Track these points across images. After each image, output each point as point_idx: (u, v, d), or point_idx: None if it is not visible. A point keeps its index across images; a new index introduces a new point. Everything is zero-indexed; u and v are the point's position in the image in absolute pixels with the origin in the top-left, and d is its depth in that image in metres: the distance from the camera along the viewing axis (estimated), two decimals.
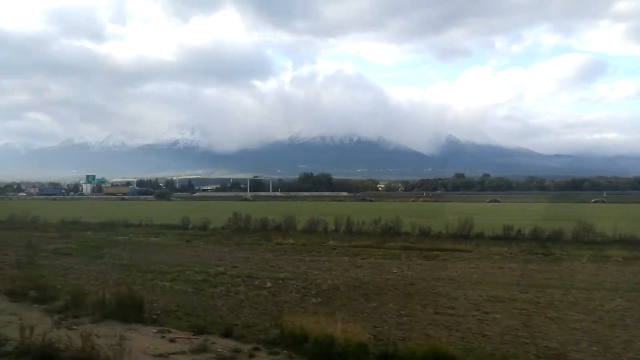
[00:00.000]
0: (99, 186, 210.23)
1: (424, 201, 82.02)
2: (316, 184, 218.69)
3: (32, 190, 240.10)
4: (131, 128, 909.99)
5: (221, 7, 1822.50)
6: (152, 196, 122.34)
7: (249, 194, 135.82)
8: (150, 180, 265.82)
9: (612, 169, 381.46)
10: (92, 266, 15.38)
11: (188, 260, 16.48)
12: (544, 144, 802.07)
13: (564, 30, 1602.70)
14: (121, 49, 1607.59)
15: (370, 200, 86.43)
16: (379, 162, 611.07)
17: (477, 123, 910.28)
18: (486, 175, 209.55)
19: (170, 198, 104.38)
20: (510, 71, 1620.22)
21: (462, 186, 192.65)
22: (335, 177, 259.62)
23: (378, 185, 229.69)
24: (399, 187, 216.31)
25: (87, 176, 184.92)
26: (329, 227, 23.34)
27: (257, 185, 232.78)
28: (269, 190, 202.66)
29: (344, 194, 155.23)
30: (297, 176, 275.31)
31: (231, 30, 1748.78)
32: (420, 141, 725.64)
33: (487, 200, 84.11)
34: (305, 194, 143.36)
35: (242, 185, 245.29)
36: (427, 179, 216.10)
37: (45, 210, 35.71)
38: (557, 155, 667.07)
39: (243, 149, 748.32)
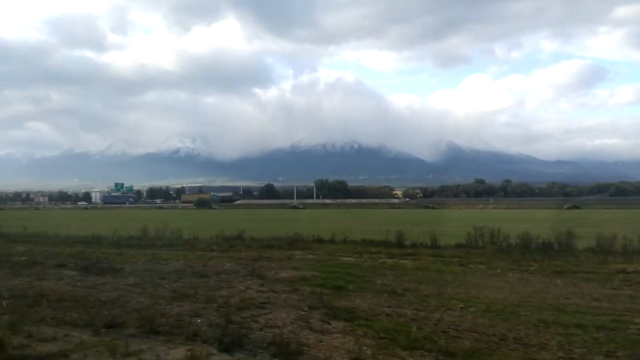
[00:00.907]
0: (178, 192, 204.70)
1: (495, 208, 75.85)
2: (332, 191, 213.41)
3: (40, 199, 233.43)
4: (132, 137, 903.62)
5: (222, 16, 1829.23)
6: (190, 204, 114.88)
7: (295, 201, 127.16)
8: (161, 188, 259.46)
9: (613, 175, 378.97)
10: (435, 313, 9.44)
11: (544, 301, 10.54)
12: (545, 150, 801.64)
13: (563, 37, 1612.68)
14: (122, 58, 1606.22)
15: (434, 208, 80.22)
16: (380, 169, 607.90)
17: (477, 129, 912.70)
18: (507, 181, 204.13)
19: (212, 207, 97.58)
20: (510, 78, 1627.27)
21: (484, 192, 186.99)
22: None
23: (394, 192, 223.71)
24: (418, 193, 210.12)
25: (116, 184, 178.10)
26: (629, 246, 17.27)
27: (270, 192, 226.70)
28: (282, 198, 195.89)
29: (396, 200, 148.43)
30: (301, 183, 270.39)
31: (232, 39, 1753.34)
32: (421, 148, 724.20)
33: (566, 207, 77.96)
34: (353, 201, 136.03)
35: (254, 193, 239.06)
36: (447, 185, 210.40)
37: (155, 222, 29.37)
38: (558, 161, 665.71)
39: (244, 156, 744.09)
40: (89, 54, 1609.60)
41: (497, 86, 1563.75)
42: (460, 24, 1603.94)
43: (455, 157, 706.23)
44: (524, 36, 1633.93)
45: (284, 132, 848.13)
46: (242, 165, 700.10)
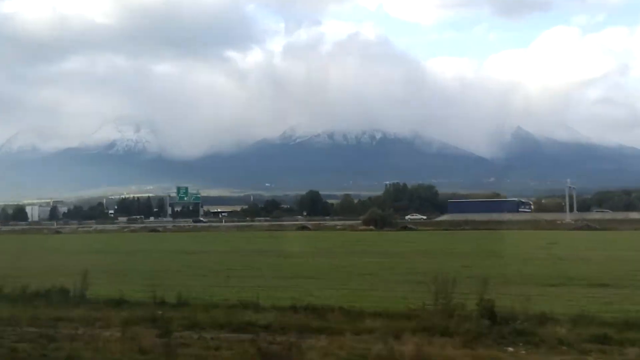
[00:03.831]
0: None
1: None
2: (414, 200, 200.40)
3: None
4: (46, 124, 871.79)
5: None
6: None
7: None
8: (137, 198, 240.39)
9: None
10: None
11: None
12: None
13: None
14: (32, 7, 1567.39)
15: None
16: (415, 170, 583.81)
17: (559, 111, 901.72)
18: None
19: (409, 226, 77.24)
20: (608, 32, 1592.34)
21: None
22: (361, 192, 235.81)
23: None
24: (561, 202, 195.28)
25: (179, 188, 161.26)
26: None
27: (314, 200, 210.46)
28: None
29: None
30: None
31: None
32: (475, 138, 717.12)
33: None
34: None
35: (290, 207, 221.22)
36: (610, 191, 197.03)
37: None
38: None
39: (213, 153, 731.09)
40: None
41: (588, 44, 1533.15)
42: None
43: (527, 151, 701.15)
44: None
45: (272, 116, 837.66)
46: (210, 165, 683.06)
